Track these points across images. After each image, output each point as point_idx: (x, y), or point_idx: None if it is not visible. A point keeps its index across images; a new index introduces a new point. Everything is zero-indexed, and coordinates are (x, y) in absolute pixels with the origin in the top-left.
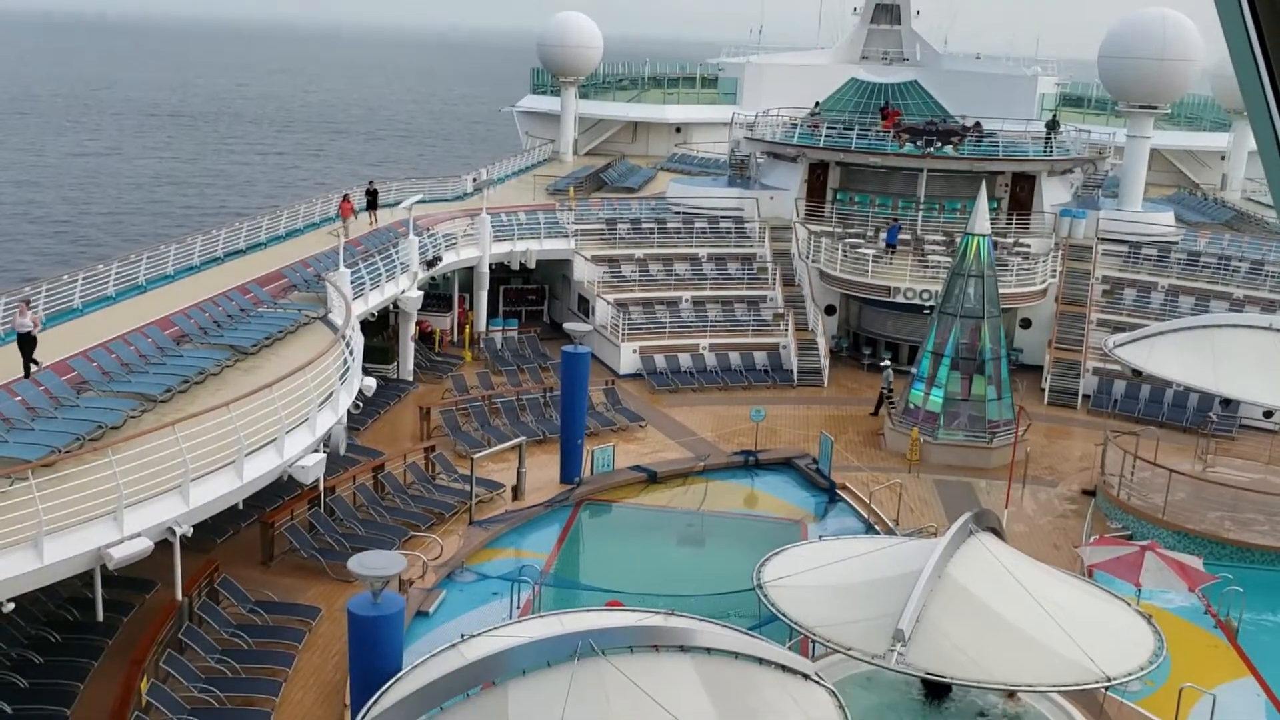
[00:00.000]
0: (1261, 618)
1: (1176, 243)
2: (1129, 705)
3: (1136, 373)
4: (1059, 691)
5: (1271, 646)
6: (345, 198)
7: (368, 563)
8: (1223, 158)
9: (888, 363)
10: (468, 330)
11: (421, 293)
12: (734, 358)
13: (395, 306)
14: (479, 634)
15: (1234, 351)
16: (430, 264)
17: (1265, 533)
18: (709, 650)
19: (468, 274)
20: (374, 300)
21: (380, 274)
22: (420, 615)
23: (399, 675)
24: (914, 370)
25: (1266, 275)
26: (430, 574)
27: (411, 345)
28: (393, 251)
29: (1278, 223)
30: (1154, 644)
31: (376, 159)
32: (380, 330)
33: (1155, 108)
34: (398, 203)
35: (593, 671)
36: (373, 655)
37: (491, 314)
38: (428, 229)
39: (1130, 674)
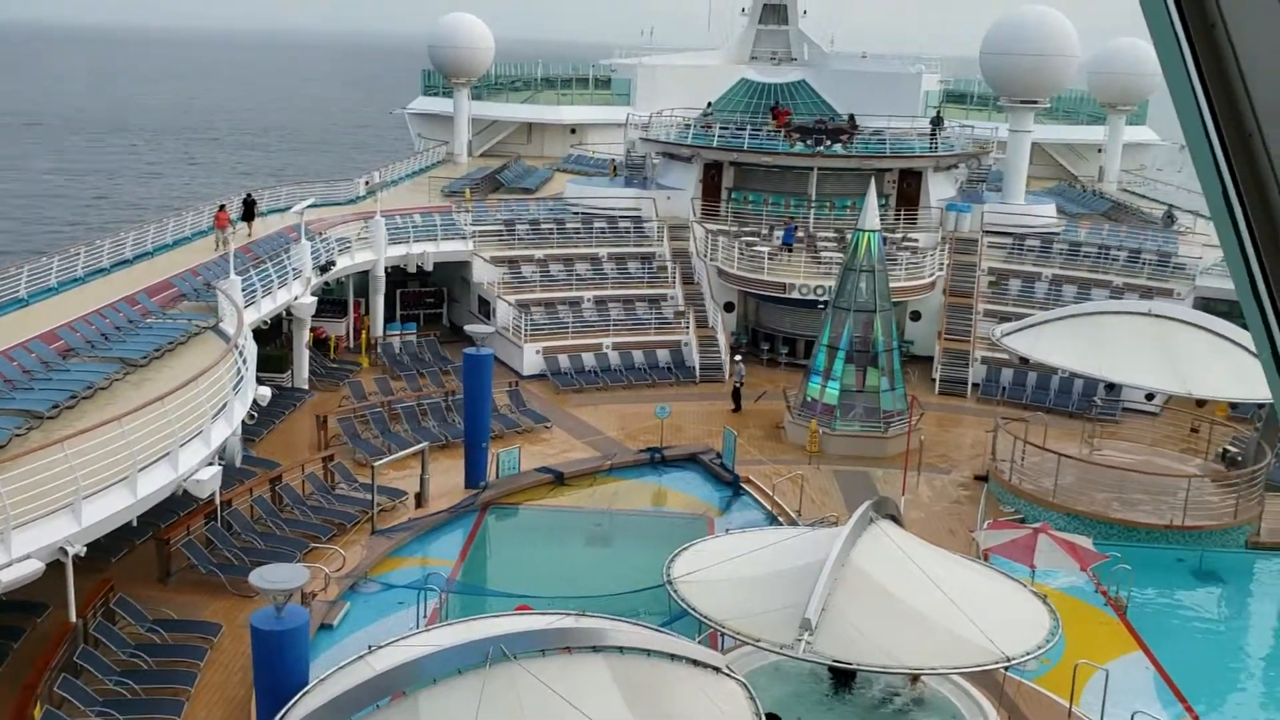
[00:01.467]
0: (1148, 594)
1: (1058, 233)
2: (1027, 683)
3: (1024, 361)
4: (960, 673)
5: (1159, 621)
6: (221, 208)
7: (269, 576)
8: (1099, 150)
9: (740, 359)
10: (364, 335)
11: (315, 299)
12: (637, 356)
13: (288, 313)
14: (386, 644)
15: (1116, 337)
16: (324, 269)
17: (1149, 512)
18: (621, 649)
19: (363, 278)
20: (266, 308)
21: (272, 281)
22: (324, 628)
23: (306, 689)
24: (810, 364)
25: (1143, 263)
26: (333, 586)
27: (306, 352)
28: (284, 257)
29: (1151, 213)
30: (1050, 623)
31: (258, 166)
32: (274, 338)
33: (1035, 103)
34: (288, 208)
35: (505, 677)
36: (278, 669)
37: (389, 318)
38: (320, 233)
39: (1028, 653)
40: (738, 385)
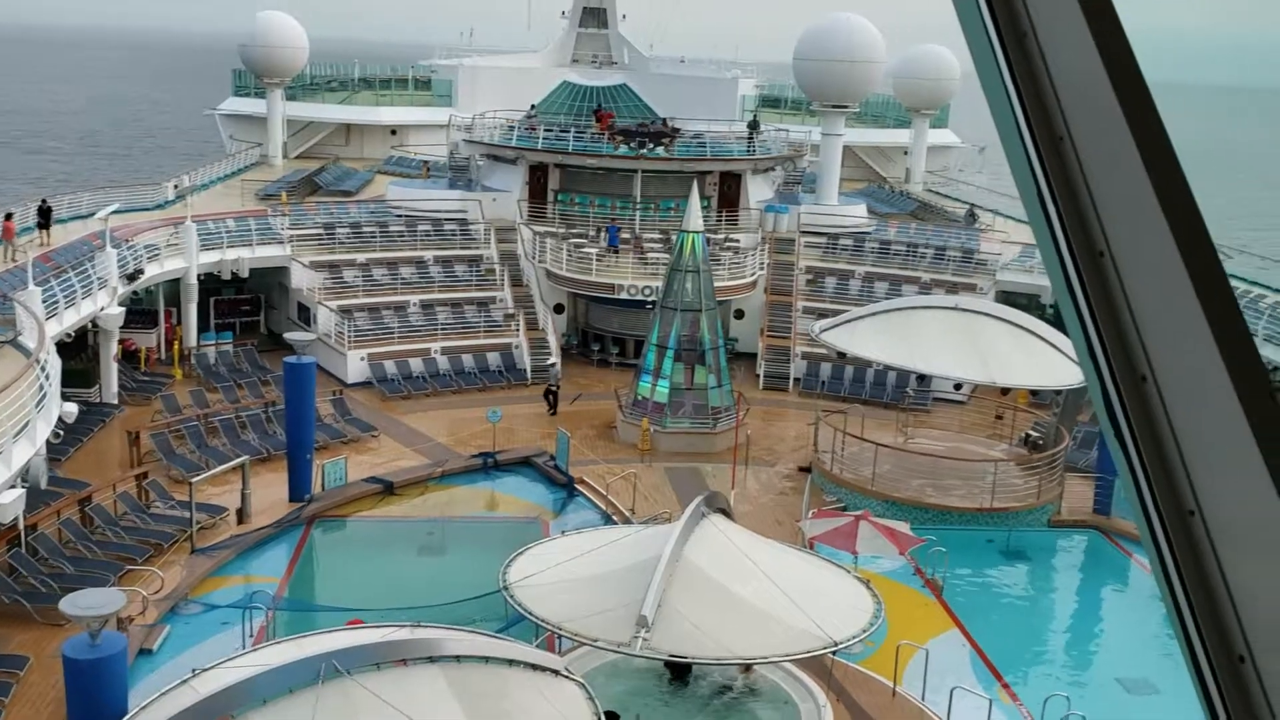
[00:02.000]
0: (963, 574)
1: (869, 233)
2: (853, 666)
3: (841, 355)
4: (790, 660)
5: (973, 599)
6: (8, 216)
7: (82, 602)
8: (905, 153)
9: (555, 361)
10: (177, 346)
11: (123, 309)
12: (467, 360)
13: (94, 325)
14: (211, 667)
15: (925, 331)
16: (131, 278)
17: (962, 495)
18: (458, 658)
19: (174, 286)
20: (69, 320)
21: (75, 291)
22: (144, 653)
23: (126, 718)
24: (640, 363)
25: (949, 260)
26: (151, 609)
27: (115, 366)
28: (88, 266)
29: (955, 212)
30: (873, 607)
31: (49, 171)
32: (79, 351)
33: (846, 107)
34: (91, 214)
35: (339, 693)
36: (94, 700)
37: (203, 328)
38: (127, 240)
39: (854, 637)
40: (553, 388)
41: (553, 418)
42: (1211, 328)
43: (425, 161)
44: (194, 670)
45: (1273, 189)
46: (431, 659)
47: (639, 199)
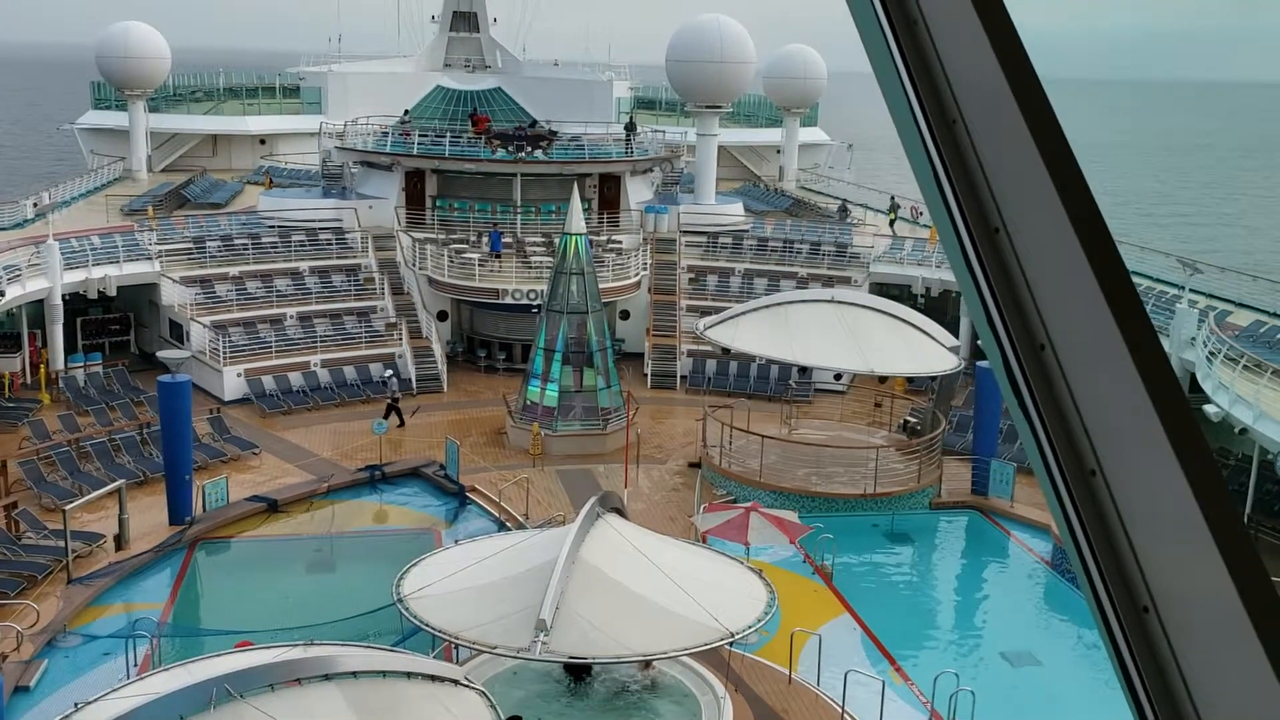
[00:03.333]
0: (851, 559)
1: (747, 230)
2: (750, 656)
3: (725, 351)
4: (688, 654)
5: (860, 582)
6: None
7: None
8: (778, 151)
9: (390, 373)
10: (43, 370)
11: None
12: (349, 371)
13: None
14: (95, 699)
15: (804, 324)
16: None
17: (845, 483)
18: (355, 674)
19: (38, 308)
20: None
21: None
22: (20, 691)
23: None
24: (528, 368)
25: (824, 254)
26: (27, 644)
27: None
28: None
29: (828, 208)
30: (767, 597)
31: None
32: None
33: (719, 107)
34: None
35: (233, 717)
36: None
37: (70, 350)
38: None
39: (749, 627)
40: (393, 400)
41: (400, 428)
42: (1105, 296)
43: (267, 171)
44: (76, 704)
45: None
46: (327, 677)
47: (519, 203)
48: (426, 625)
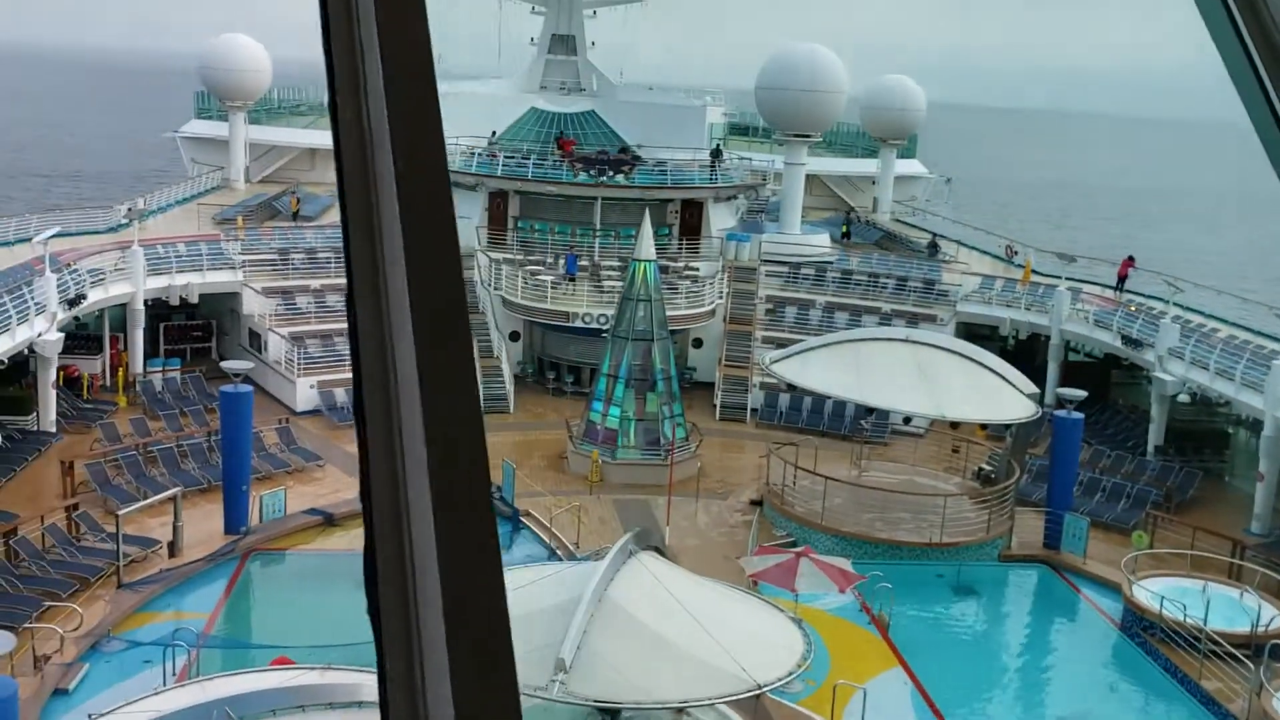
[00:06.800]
0: (911, 610)
1: (832, 262)
2: (790, 706)
3: (791, 386)
4: (724, 702)
5: (918, 635)
6: None
7: None
8: (873, 182)
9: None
10: (122, 373)
11: (62, 335)
12: None
13: (31, 351)
14: (108, 712)
15: (875, 363)
16: (73, 303)
17: (911, 530)
18: (360, 703)
19: (121, 312)
20: (3, 345)
21: (10, 317)
22: (59, 693)
23: None
24: (592, 391)
25: (910, 290)
26: (70, 647)
27: (53, 393)
28: (25, 291)
29: (918, 242)
30: (803, 649)
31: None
32: (19, 378)
33: (808, 136)
34: (27, 239)
35: None
36: None
37: (151, 354)
38: (69, 265)
39: (779, 679)
40: None
41: None
42: None
43: (294, 193)
44: (90, 716)
45: None
46: (330, 705)
47: (599, 226)
48: None
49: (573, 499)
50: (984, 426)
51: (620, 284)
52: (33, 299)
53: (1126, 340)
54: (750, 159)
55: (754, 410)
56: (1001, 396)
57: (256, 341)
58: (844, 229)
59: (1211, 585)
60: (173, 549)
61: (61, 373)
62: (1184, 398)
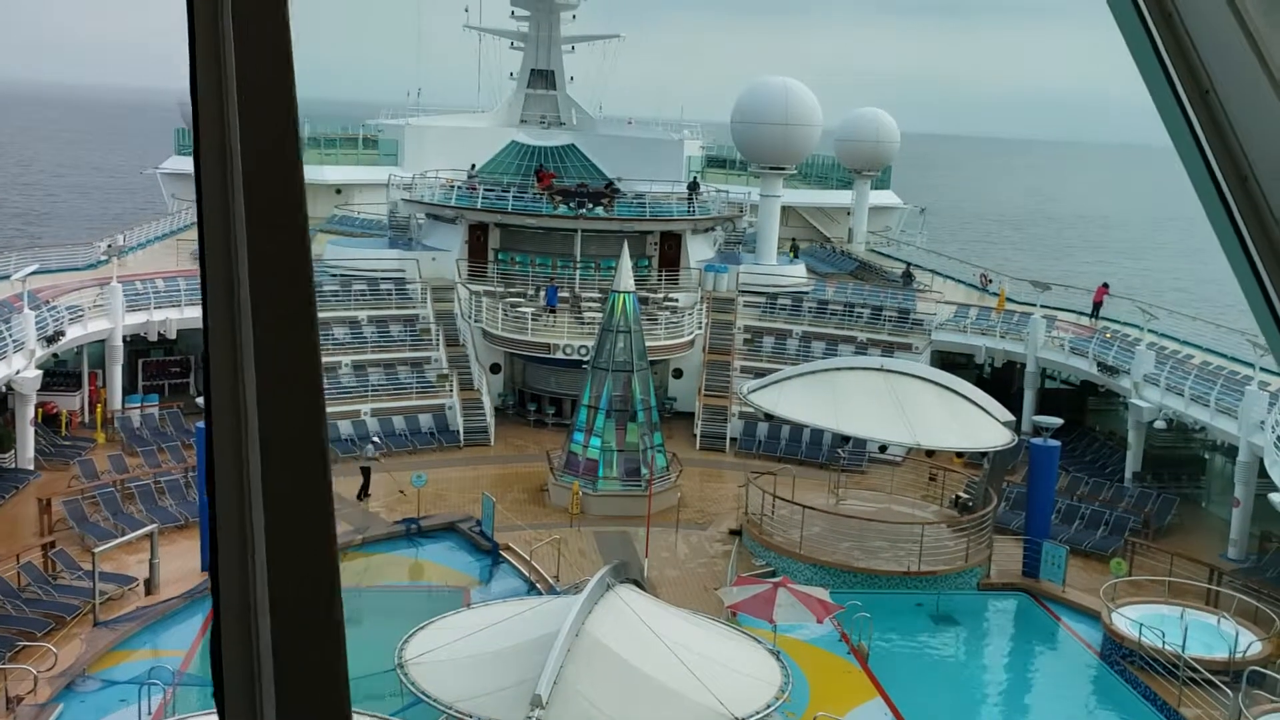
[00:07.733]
0: (890, 639)
1: (808, 292)
2: None
3: (768, 415)
4: None
5: (898, 664)
6: None
7: None
8: (848, 213)
9: (374, 439)
10: (100, 409)
11: (40, 372)
12: (398, 421)
13: (9, 388)
14: None
15: (851, 392)
16: (51, 340)
17: (889, 559)
18: None
19: (100, 348)
20: None
21: None
22: None
23: None
24: (573, 422)
25: (885, 319)
26: (45, 686)
27: (31, 430)
28: (3, 328)
29: (893, 271)
30: (780, 681)
31: None
32: None
33: (783, 168)
34: (5, 276)
35: None
36: None
37: (130, 390)
38: (48, 302)
39: (756, 713)
40: (365, 466)
41: (362, 498)
42: None
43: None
44: None
45: None
46: None
47: (579, 258)
48: (423, 694)
49: (553, 531)
50: (960, 454)
51: (600, 315)
52: (11, 336)
53: (1102, 367)
54: (727, 191)
55: (733, 439)
56: (978, 424)
57: None
58: (791, 252)
59: (1189, 612)
60: (149, 586)
61: (40, 410)
62: (1160, 424)
